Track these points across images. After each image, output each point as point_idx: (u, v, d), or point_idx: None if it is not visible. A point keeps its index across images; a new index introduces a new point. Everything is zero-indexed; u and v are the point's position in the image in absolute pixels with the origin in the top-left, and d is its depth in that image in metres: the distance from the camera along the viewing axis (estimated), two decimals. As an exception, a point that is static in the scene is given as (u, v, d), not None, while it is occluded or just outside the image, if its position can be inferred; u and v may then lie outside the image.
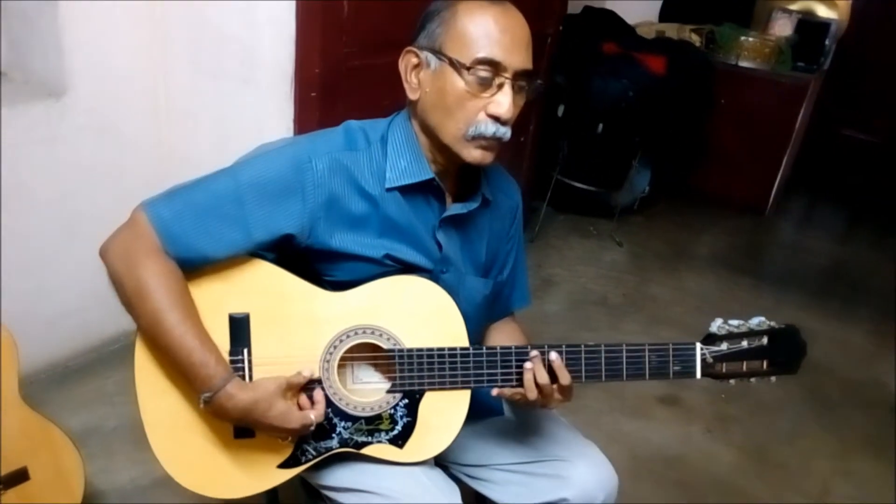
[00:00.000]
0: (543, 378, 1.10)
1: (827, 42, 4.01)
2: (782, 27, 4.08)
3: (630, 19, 3.96)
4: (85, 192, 2.05)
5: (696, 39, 4.00)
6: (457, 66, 1.04)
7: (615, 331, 2.85)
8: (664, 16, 4.34)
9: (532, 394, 1.11)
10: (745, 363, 1.18)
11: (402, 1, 2.03)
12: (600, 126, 3.32)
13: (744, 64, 3.99)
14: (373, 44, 2.03)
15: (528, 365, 1.11)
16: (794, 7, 4.13)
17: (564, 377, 1.11)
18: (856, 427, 2.46)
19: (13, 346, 1.46)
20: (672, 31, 4.02)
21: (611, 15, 3.80)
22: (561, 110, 3.38)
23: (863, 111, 4.54)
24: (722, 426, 2.38)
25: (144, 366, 1.10)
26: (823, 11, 4.15)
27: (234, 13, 1.94)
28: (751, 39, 3.98)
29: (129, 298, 1.04)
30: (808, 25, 4.02)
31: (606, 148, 3.43)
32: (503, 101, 1.05)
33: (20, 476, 1.45)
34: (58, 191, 1.99)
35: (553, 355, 1.11)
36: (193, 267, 1.07)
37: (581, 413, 2.32)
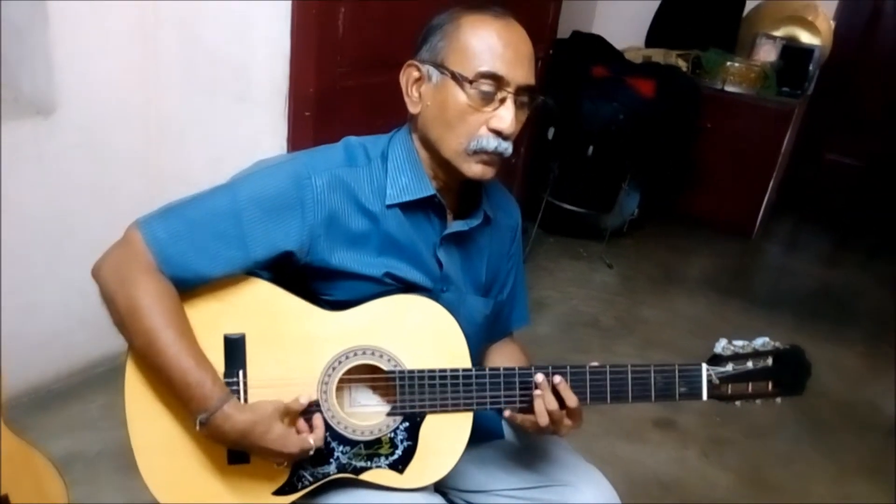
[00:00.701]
0: (552, 404, 1.08)
1: (811, 67, 4.07)
2: (767, 53, 4.13)
3: (616, 45, 4.01)
4: (74, 212, 2.01)
5: (682, 64, 4.05)
6: (459, 79, 1.03)
7: (608, 353, 2.83)
8: (650, 41, 4.39)
9: (543, 419, 1.08)
10: (750, 384, 1.17)
11: (396, 22, 2.04)
12: (591, 148, 3.33)
13: (730, 89, 4.03)
14: (367, 64, 2.03)
15: (537, 392, 1.09)
16: (777, 33, 4.19)
17: (571, 399, 1.08)
18: (851, 450, 2.44)
19: (-4, 369, 1.41)
20: (658, 56, 4.06)
21: (599, 40, 3.84)
22: (551, 133, 3.39)
23: (846, 135, 4.60)
24: (717, 449, 2.36)
25: (135, 388, 1.06)
26: (807, 38, 4.21)
27: (227, 31, 1.93)
28: (736, 65, 4.03)
29: (122, 318, 1.00)
30: (793, 51, 4.08)
31: (597, 170, 3.44)
32: (505, 116, 1.04)
33: (1, 504, 1.40)
34: (46, 210, 1.95)
35: (557, 378, 1.09)
36: (189, 286, 1.04)
37: (575, 436, 2.25)
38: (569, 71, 3.41)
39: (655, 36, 4.38)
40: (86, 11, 1.89)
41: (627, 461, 2.24)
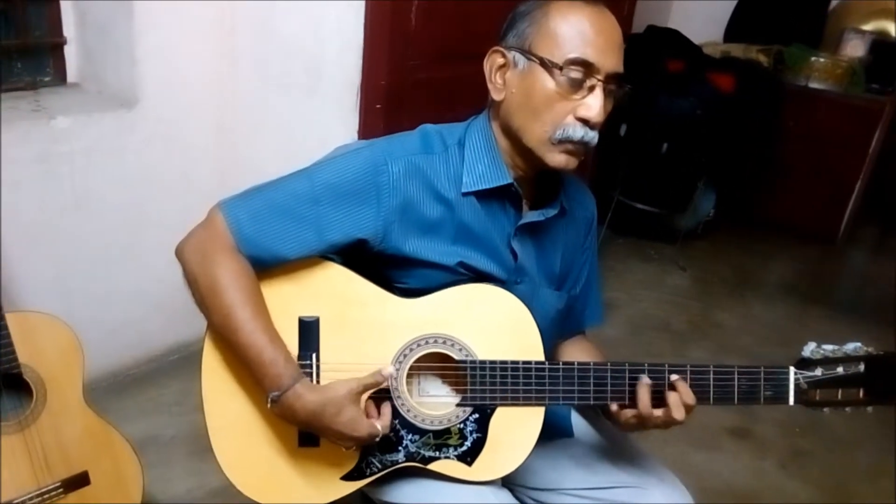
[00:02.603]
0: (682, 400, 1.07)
1: (902, 63, 3.85)
2: (854, 48, 3.93)
3: (694, 40, 3.88)
4: (152, 201, 2.07)
5: (763, 60, 3.89)
6: (548, 65, 1.00)
7: (681, 358, 2.73)
8: (729, 36, 4.25)
9: (679, 412, 1.07)
10: (840, 391, 1.10)
11: (468, 16, 2.03)
12: (665, 145, 3.24)
13: (814, 85, 3.85)
14: (438, 57, 2.03)
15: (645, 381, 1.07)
16: (866, 27, 3.99)
17: (688, 396, 1.07)
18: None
19: (79, 349, 1.46)
20: (738, 51, 3.91)
21: (675, 34, 3.73)
22: (623, 129, 3.31)
23: (941, 136, 4.32)
24: (797, 461, 2.25)
25: (213, 367, 1.08)
26: (899, 32, 3.99)
27: (302, 24, 1.96)
28: (821, 60, 3.85)
29: (202, 295, 1.03)
30: (883, 46, 3.88)
31: (671, 168, 3.34)
32: (594, 104, 1.01)
33: (81, 480, 1.45)
34: (126, 199, 2.02)
35: (674, 376, 1.07)
36: (266, 266, 1.05)
37: (644, 442, 2.21)
38: (643, 65, 3.32)
39: (735, 31, 4.23)
40: (168, 8, 1.95)
41: (700, 470, 2.15)
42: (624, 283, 3.33)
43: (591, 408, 1.29)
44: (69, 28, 1.99)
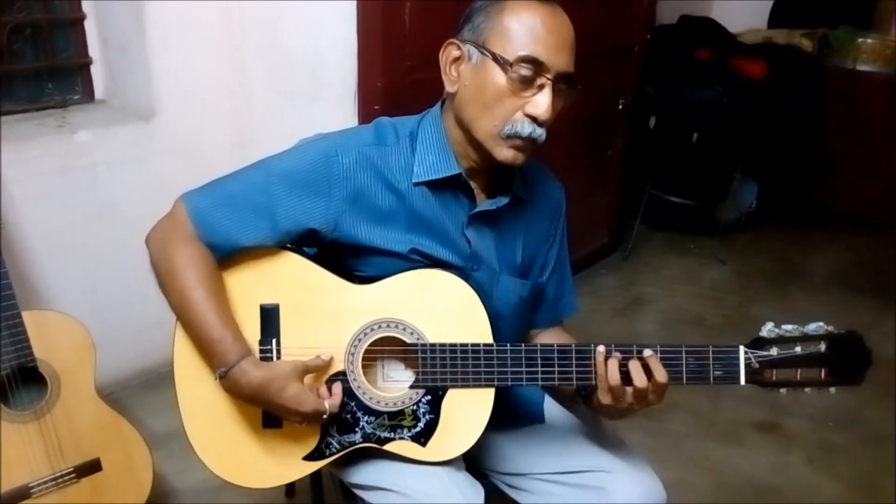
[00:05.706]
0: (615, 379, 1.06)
1: (960, 40, 3.64)
2: (907, 27, 3.75)
3: (736, 26, 3.78)
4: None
5: (807, 44, 3.74)
6: (500, 61, 1.03)
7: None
8: (773, 22, 4.11)
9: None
10: (799, 371, 1.09)
11: (462, 14, 2.06)
12: (695, 136, 3.16)
13: (862, 68, 3.69)
14: (435, 57, 2.05)
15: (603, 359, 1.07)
16: (921, 5, 3.79)
17: (660, 374, 1.05)
18: None
19: (91, 345, 1.57)
20: (780, 36, 3.78)
21: (709, 22, 3.64)
22: (653, 122, 3.26)
23: None
24: (826, 456, 2.16)
25: (183, 353, 1.15)
26: (956, 7, 3.78)
27: (303, 37, 2.04)
28: (869, 41, 3.68)
29: (162, 280, 1.11)
30: (938, 23, 3.68)
31: (703, 159, 3.26)
32: (542, 102, 1.03)
33: (93, 466, 1.55)
34: (146, 207, 2.10)
35: (648, 352, 1.06)
36: (225, 254, 1.11)
37: (662, 436, 2.18)
38: (671, 57, 3.26)
39: (779, 16, 4.09)
40: (178, 25, 2.06)
41: (720, 464, 2.10)
42: (658, 277, 3.28)
43: (555, 392, 1.30)
44: (94, 49, 2.14)
